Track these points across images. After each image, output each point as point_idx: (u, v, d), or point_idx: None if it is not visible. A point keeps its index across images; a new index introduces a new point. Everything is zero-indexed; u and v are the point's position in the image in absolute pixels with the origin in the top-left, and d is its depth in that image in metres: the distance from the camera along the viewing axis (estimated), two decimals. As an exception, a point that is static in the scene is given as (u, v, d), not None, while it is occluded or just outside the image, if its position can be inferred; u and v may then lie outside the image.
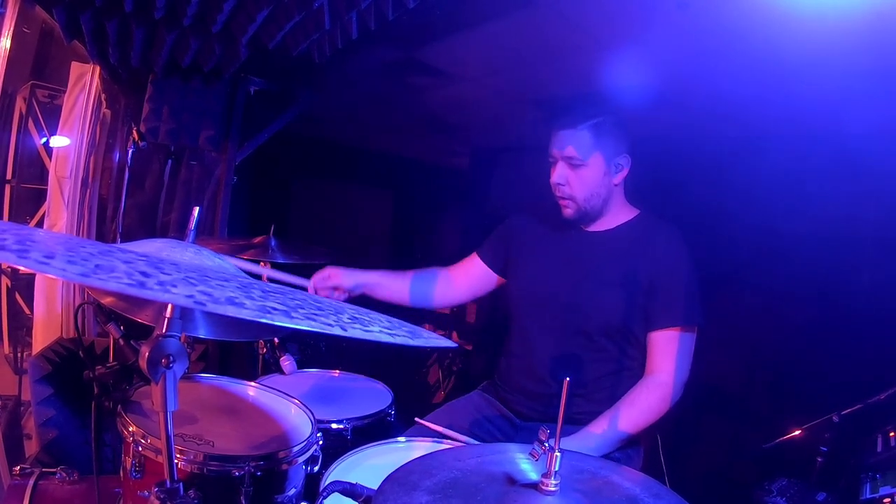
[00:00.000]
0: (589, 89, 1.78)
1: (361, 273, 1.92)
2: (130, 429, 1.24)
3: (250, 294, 0.59)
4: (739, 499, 1.87)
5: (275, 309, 0.57)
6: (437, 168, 5.02)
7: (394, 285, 1.98)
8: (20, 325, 4.05)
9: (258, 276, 1.85)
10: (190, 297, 0.52)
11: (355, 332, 0.60)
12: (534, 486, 0.91)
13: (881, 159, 1.88)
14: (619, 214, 1.76)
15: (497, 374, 1.94)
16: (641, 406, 1.61)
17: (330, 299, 1.79)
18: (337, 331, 0.58)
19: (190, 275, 0.59)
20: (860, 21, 1.45)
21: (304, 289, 1.84)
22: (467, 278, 2.01)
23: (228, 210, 3.06)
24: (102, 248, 0.60)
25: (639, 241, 1.70)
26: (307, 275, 1.92)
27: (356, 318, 0.67)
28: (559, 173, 1.69)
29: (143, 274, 0.53)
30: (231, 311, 0.53)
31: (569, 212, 1.72)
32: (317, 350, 2.45)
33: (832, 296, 2.25)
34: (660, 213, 1.78)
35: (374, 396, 1.96)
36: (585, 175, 1.67)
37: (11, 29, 3.33)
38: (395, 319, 0.76)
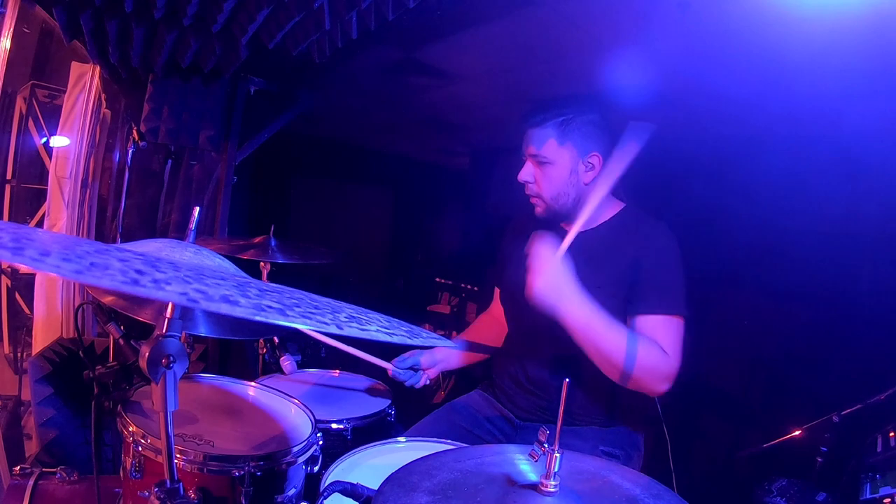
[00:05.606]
0: (583, 89, 1.79)
1: (436, 351, 1.99)
2: (130, 429, 1.24)
3: (246, 292, 0.59)
4: (739, 499, 1.86)
5: (270, 307, 0.56)
6: (437, 168, 5.02)
7: (462, 351, 2.06)
8: (20, 325, 4.06)
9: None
10: (184, 294, 0.52)
11: (352, 331, 0.59)
12: (533, 486, 0.91)
13: (881, 158, 1.88)
14: (600, 212, 1.71)
15: (494, 374, 1.94)
16: (644, 350, 1.47)
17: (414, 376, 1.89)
18: (333, 329, 0.58)
19: (186, 273, 0.59)
20: (860, 21, 1.45)
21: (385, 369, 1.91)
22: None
23: (228, 210, 3.06)
24: (100, 247, 0.60)
25: (621, 238, 1.66)
26: (308, 275, 1.92)
27: (354, 317, 0.66)
28: (526, 171, 1.69)
29: (138, 272, 0.52)
30: (225, 309, 0.52)
31: (539, 210, 1.72)
32: (316, 351, 2.45)
33: (832, 295, 2.25)
34: (659, 212, 1.76)
35: (374, 396, 1.97)
36: (551, 173, 1.66)
37: (11, 29, 3.34)
38: (394, 319, 0.76)
